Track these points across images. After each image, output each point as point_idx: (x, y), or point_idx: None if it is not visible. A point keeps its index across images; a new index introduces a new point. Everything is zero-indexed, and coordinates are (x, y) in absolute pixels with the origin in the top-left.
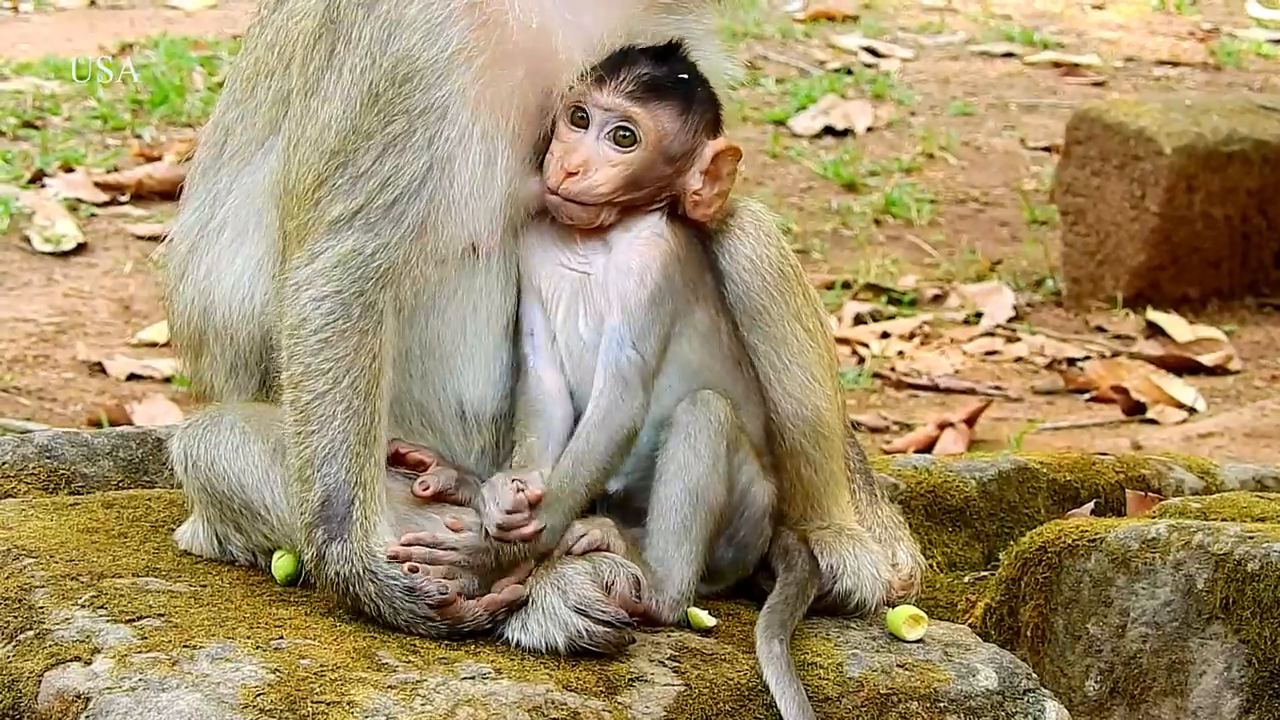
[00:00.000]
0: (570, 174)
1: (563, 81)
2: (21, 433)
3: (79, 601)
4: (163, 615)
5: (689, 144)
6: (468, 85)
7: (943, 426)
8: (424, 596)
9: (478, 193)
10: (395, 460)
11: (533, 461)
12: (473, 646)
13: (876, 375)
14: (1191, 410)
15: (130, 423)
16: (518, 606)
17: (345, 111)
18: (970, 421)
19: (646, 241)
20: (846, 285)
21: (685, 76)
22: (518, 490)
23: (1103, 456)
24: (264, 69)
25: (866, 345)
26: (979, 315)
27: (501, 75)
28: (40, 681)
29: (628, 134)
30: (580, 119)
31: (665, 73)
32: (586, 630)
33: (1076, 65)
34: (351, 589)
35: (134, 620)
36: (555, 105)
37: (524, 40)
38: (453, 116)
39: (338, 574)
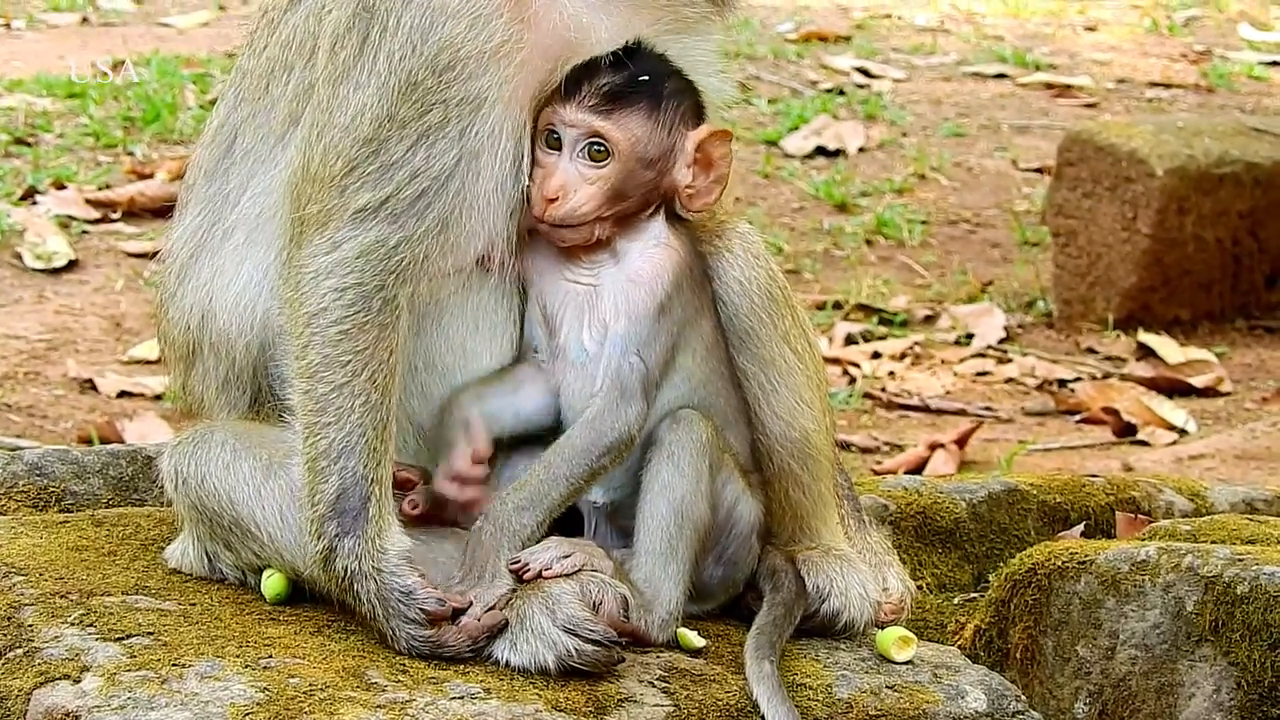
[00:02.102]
0: (551, 200)
1: None
2: (11, 450)
3: (68, 619)
4: (152, 633)
5: (666, 143)
6: (504, 80)
7: (933, 447)
8: (420, 601)
9: (502, 189)
10: None
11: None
12: (462, 666)
13: (867, 395)
14: (1182, 432)
15: (121, 440)
16: (499, 633)
17: (380, 99)
18: (961, 443)
19: (656, 250)
20: (838, 305)
21: (647, 76)
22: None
23: (1093, 478)
24: (279, 66)
25: (857, 365)
26: (970, 336)
27: (536, 72)
28: (29, 700)
29: (600, 149)
30: (554, 141)
31: (626, 77)
32: (576, 649)
33: (1068, 86)
34: (354, 586)
35: (123, 638)
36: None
37: (564, 38)
38: (487, 110)
39: (344, 569)
